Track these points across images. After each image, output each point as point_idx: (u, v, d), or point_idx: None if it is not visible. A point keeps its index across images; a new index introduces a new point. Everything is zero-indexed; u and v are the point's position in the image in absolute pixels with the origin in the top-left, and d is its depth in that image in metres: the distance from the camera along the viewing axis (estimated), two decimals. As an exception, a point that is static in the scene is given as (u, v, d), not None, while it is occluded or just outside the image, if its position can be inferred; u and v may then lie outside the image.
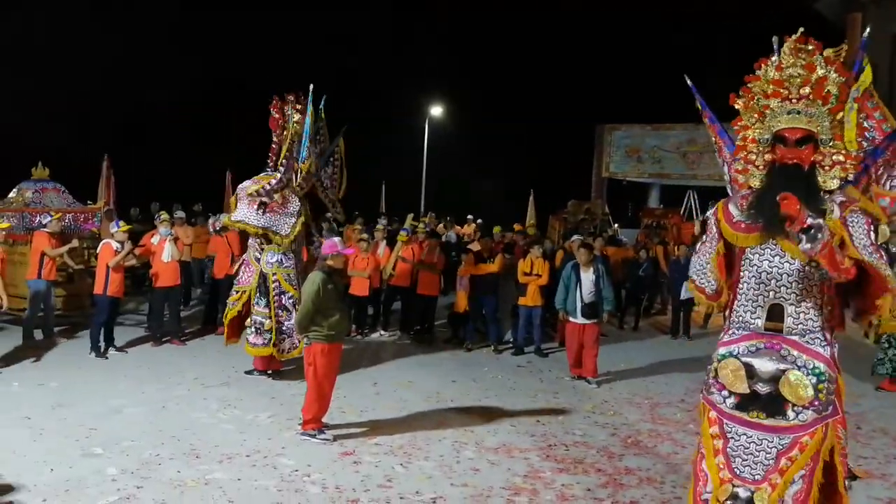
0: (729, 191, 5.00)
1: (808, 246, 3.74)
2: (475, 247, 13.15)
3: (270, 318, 9.65)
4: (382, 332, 13.18)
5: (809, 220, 3.73)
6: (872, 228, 4.23)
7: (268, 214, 9.68)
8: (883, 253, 4.28)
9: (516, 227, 17.68)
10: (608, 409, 9.13)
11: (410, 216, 16.94)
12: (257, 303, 9.74)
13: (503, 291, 12.60)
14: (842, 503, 4.41)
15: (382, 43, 39.36)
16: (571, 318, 10.48)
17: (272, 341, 9.62)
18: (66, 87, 26.69)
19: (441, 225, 20.07)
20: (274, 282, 9.73)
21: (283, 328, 9.68)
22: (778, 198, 3.84)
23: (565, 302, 10.53)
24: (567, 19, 38.81)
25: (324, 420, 7.60)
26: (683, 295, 13.55)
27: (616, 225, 24.77)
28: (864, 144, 4.85)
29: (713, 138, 5.23)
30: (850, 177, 4.42)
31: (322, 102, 10.39)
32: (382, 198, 24.54)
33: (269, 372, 9.82)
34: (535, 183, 23.20)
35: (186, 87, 30.21)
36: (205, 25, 32.71)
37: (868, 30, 4.55)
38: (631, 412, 9.02)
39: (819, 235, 3.71)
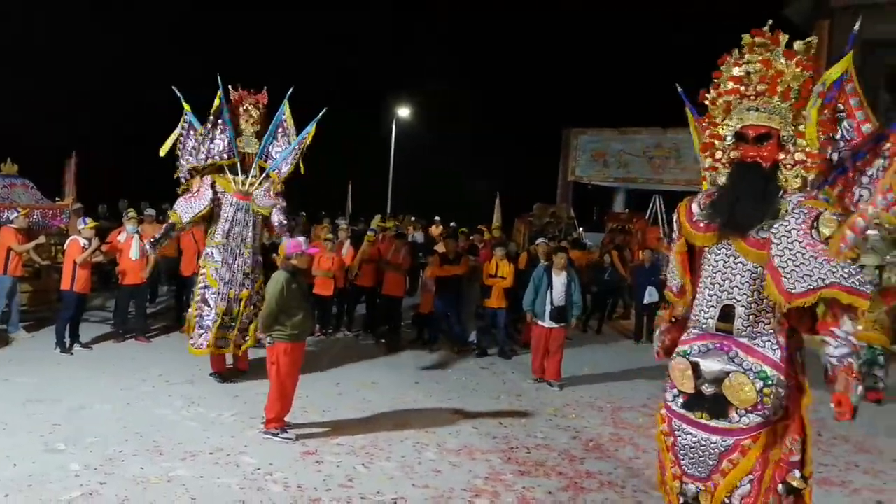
0: None
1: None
2: (441, 248, 13.23)
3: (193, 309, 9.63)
4: (346, 333, 13.25)
5: (854, 402, 3.91)
6: (814, 223, 4.05)
7: (182, 199, 9.79)
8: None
9: (482, 228, 17.80)
10: (570, 412, 9.25)
11: (378, 217, 16.99)
12: (190, 296, 9.70)
13: (468, 293, 12.69)
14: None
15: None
16: (539, 322, 10.53)
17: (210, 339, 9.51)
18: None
19: (410, 226, 20.16)
20: (201, 274, 9.71)
21: (204, 322, 9.57)
22: (836, 418, 3.98)
23: (534, 304, 10.56)
24: (535, 23, 39.18)
25: (286, 419, 7.66)
26: (646, 299, 13.75)
27: (581, 229, 24.97)
28: (842, 144, 4.78)
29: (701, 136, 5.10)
30: (812, 176, 4.36)
31: (287, 95, 10.28)
32: (349, 198, 24.55)
33: (226, 373, 9.76)
34: (502, 185, 23.37)
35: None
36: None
37: (858, 24, 4.54)
38: (593, 416, 9.15)
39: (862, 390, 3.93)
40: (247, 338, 9.72)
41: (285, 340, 7.43)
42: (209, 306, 9.56)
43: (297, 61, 32.50)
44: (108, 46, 28.20)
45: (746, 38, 4.38)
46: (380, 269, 12.89)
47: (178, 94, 10.01)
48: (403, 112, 34.36)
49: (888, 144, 4.42)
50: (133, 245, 11.24)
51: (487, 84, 39.08)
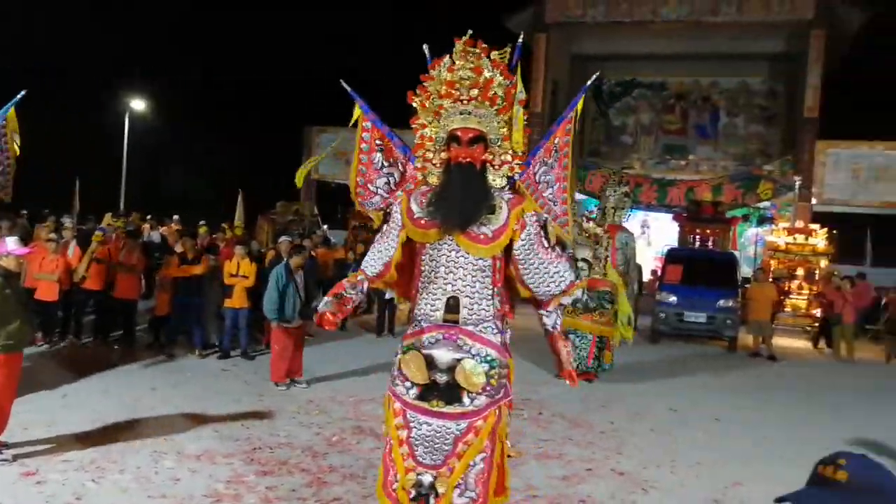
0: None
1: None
2: (179, 247, 12.69)
3: None
4: (74, 339, 12.32)
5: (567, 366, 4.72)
6: (543, 232, 4.61)
7: None
8: (559, 251, 4.72)
9: (224, 226, 17.35)
10: (313, 408, 9.20)
11: (109, 215, 15.97)
12: None
13: (208, 293, 12.27)
14: (503, 478, 4.73)
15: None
16: (287, 325, 10.29)
17: None
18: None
19: (145, 224, 19.19)
20: None
21: None
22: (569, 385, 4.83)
23: (280, 310, 10.18)
24: (276, 22, 39.26)
25: (2, 439, 6.93)
26: (388, 294, 13.96)
27: (326, 226, 25.00)
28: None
29: (377, 141, 5.33)
30: (517, 176, 4.79)
31: None
32: (76, 194, 22.93)
33: None
34: (245, 183, 23.01)
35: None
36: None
37: (521, 38, 4.93)
38: (335, 410, 9.15)
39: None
40: None
41: (-2, 352, 6.75)
42: None
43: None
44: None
45: (458, 45, 4.56)
46: (111, 270, 12.13)
47: None
48: (138, 105, 32.40)
49: (557, 139, 5.18)
50: None
51: (229, 79, 38.27)
